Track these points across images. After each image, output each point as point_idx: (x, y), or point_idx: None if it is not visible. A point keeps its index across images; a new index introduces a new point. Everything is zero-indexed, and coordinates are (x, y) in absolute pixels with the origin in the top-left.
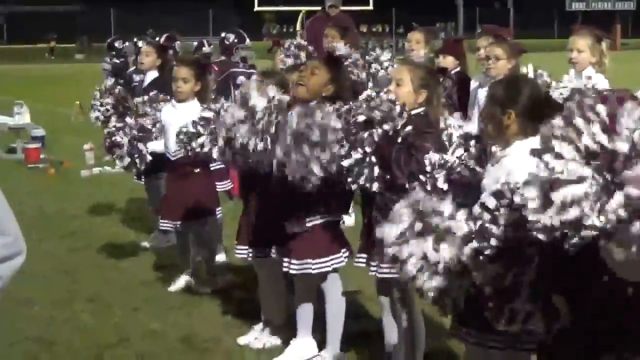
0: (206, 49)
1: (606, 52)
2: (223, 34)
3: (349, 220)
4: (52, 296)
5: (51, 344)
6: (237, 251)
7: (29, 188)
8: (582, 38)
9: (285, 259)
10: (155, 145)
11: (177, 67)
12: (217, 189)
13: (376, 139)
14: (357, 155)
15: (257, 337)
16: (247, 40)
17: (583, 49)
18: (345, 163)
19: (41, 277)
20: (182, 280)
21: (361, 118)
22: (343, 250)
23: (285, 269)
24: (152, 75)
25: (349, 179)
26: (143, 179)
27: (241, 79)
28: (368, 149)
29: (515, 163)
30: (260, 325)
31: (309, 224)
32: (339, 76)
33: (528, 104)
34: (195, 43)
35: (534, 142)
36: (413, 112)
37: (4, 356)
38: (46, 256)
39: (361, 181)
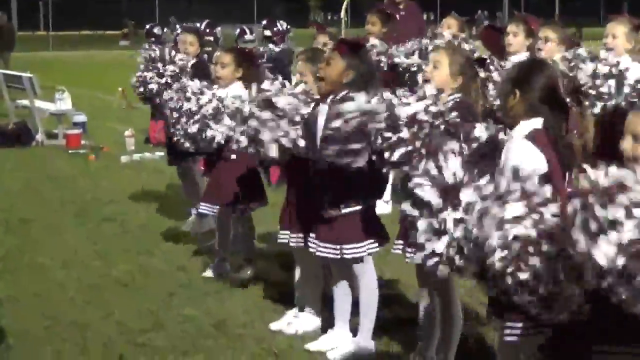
0: (248, 36)
1: None
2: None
3: (387, 207)
4: (87, 281)
5: (85, 328)
6: (280, 237)
7: (69, 173)
8: (619, 24)
9: (322, 244)
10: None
11: (218, 54)
12: None
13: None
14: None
15: (290, 322)
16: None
17: (618, 35)
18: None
19: (77, 261)
20: (218, 266)
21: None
22: (378, 236)
23: (321, 254)
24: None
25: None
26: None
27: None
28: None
29: (515, 144)
30: (293, 311)
31: (344, 210)
32: (357, 61)
33: (536, 88)
34: (238, 30)
35: (536, 123)
36: (449, 97)
37: (37, 340)
38: (83, 241)
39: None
